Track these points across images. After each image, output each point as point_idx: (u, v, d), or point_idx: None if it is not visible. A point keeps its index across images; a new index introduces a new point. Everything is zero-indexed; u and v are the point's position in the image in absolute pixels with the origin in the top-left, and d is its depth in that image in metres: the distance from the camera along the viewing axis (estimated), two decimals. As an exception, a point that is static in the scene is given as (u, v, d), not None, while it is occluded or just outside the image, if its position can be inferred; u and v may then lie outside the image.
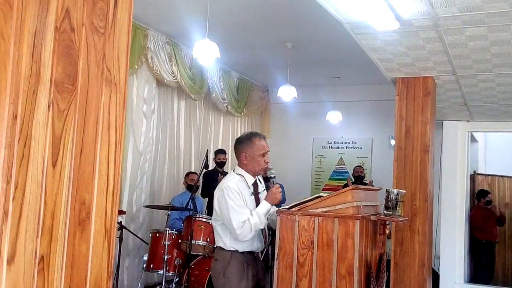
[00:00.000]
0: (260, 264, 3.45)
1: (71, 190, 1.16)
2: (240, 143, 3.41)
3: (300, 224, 2.91)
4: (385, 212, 3.02)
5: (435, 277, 6.67)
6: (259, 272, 3.39)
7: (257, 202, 3.33)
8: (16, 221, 1.02)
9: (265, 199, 3.29)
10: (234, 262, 3.24)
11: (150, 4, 5.68)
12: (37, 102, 1.08)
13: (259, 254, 3.52)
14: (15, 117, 1.03)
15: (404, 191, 3.12)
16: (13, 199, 1.02)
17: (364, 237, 2.85)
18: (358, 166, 8.64)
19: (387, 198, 3.02)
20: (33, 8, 1.07)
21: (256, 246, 3.32)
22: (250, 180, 3.36)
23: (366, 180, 8.63)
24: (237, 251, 3.26)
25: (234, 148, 3.47)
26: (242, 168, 3.37)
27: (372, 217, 2.97)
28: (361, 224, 2.77)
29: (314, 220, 2.87)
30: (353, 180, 8.31)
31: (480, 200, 8.37)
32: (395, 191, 3.02)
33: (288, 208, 3.02)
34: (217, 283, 3.30)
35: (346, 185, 8.22)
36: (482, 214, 8.20)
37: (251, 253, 3.31)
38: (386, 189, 3.08)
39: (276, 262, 2.95)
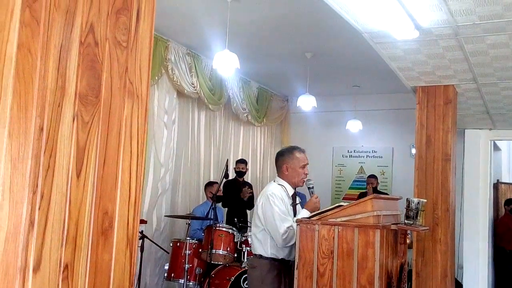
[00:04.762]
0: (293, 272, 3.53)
1: (94, 200, 1.19)
2: (282, 155, 3.64)
3: (320, 233, 2.91)
4: (405, 221, 3.00)
5: (458, 287, 6.58)
6: (293, 280, 3.46)
7: (294, 213, 3.48)
8: (42, 230, 1.06)
9: (305, 207, 3.44)
10: (273, 271, 3.37)
11: (171, 16, 5.75)
12: (62, 115, 1.11)
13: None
14: (41, 129, 1.06)
15: (425, 200, 3.10)
16: (39, 208, 1.05)
17: (384, 247, 2.84)
18: (370, 175, 8.17)
19: (408, 207, 3.01)
20: (59, 23, 1.11)
21: (293, 254, 3.37)
22: (291, 191, 3.55)
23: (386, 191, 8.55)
24: (276, 259, 3.38)
25: (276, 160, 3.69)
26: (283, 179, 3.57)
27: (393, 227, 2.96)
28: (381, 233, 2.76)
29: (334, 230, 2.87)
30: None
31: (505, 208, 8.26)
32: (416, 200, 3.01)
33: (308, 218, 3.02)
34: None
35: (364, 194, 8.02)
36: (506, 222, 8.07)
37: (286, 261, 3.39)
38: (407, 199, 3.07)
39: (296, 272, 2.96)
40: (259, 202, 3.49)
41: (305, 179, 3.58)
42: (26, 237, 1.03)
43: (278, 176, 3.62)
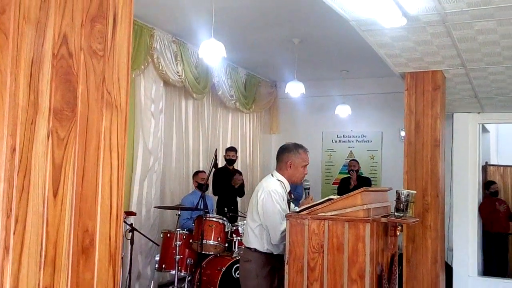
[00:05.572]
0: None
1: (73, 218, 1.14)
2: (288, 151, 3.60)
3: (310, 228, 2.89)
4: (395, 213, 2.98)
5: (449, 270, 6.62)
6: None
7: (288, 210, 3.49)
8: (18, 255, 1.01)
9: (300, 207, 3.41)
10: (268, 265, 3.38)
11: (156, 3, 5.65)
12: (35, 132, 1.06)
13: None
14: (14, 149, 1.01)
15: (415, 192, 3.09)
16: (14, 233, 1.01)
17: (374, 240, 2.82)
18: (352, 159, 8.38)
19: (398, 200, 2.99)
20: (29, 37, 1.05)
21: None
22: (288, 187, 3.54)
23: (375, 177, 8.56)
24: (271, 253, 3.38)
25: (279, 154, 3.64)
26: (283, 175, 3.54)
27: (383, 219, 2.94)
28: (371, 227, 2.75)
29: (324, 224, 2.85)
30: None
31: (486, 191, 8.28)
32: (405, 192, 2.99)
33: (298, 212, 3.00)
34: (249, 283, 3.43)
35: (346, 180, 8.09)
36: (487, 205, 8.08)
37: (281, 256, 3.38)
38: (396, 191, 3.05)
39: (286, 267, 2.94)
40: (259, 197, 3.42)
41: (303, 178, 3.58)
42: (1, 263, 0.98)
43: (278, 170, 3.58)
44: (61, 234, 1.11)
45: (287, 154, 3.58)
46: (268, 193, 3.37)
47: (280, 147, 3.71)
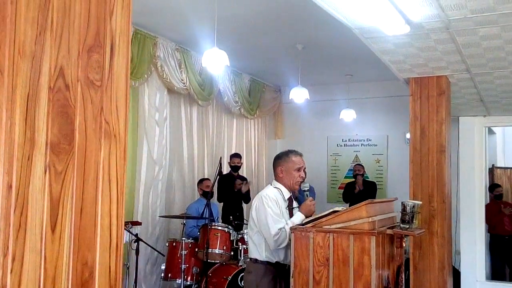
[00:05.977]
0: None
1: (72, 251, 1.13)
2: (279, 158, 3.65)
3: (315, 240, 2.87)
4: (401, 225, 2.96)
5: (456, 275, 6.57)
6: (288, 284, 3.45)
7: (290, 217, 3.46)
8: (15, 294, 1.00)
9: (300, 210, 3.43)
10: (268, 275, 3.36)
11: (158, 12, 5.65)
12: (32, 168, 1.05)
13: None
14: (10, 186, 1.00)
15: (420, 202, 3.06)
16: (11, 271, 0.99)
17: (380, 253, 2.80)
18: (357, 164, 8.49)
19: (403, 211, 2.96)
20: (24, 72, 1.04)
21: (288, 258, 3.36)
22: (287, 194, 3.54)
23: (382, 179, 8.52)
24: (271, 263, 3.36)
25: (273, 164, 3.71)
26: (279, 182, 3.57)
27: (388, 231, 2.92)
28: (377, 239, 2.72)
29: (329, 237, 2.83)
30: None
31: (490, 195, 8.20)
32: (411, 203, 2.96)
33: (302, 225, 2.98)
34: None
35: (351, 184, 8.11)
36: (490, 208, 8.00)
37: (282, 265, 3.37)
38: (402, 202, 3.02)
39: (291, 280, 2.92)
40: (253, 204, 3.50)
41: (300, 182, 3.53)
42: (-1, 303, 0.97)
43: (275, 179, 3.62)
44: (59, 269, 1.10)
45: (278, 161, 3.63)
46: (260, 198, 3.44)
47: (274, 157, 3.76)
